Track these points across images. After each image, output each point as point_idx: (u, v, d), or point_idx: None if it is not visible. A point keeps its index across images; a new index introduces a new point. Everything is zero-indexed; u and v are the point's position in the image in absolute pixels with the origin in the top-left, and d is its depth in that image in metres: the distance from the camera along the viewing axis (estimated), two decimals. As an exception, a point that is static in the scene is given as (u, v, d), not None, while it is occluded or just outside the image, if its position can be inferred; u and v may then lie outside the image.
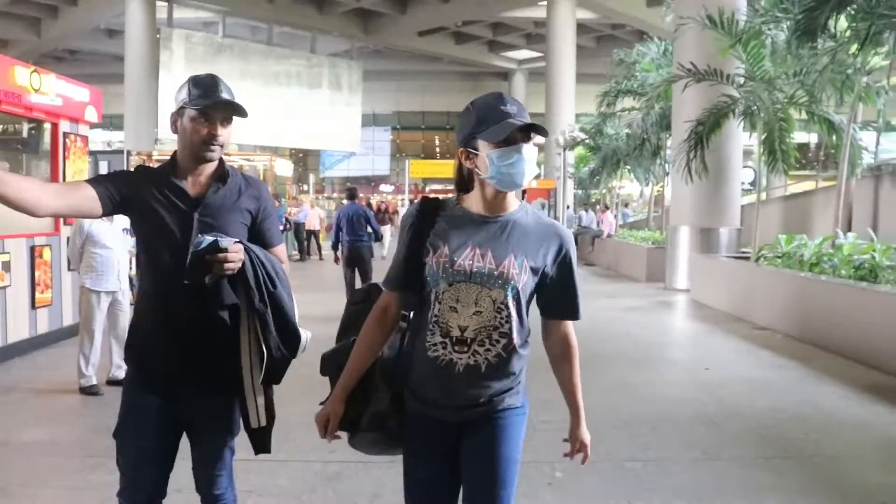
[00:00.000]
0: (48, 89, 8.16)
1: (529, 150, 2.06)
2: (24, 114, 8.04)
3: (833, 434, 5.39)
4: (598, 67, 34.50)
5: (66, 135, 8.66)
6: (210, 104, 2.43)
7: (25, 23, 38.27)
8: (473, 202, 2.18)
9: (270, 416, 2.54)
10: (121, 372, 6.13)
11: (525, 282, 2.09)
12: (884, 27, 8.75)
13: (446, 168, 43.66)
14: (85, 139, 9.15)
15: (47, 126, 8.56)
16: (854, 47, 9.94)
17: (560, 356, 2.26)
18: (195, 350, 2.43)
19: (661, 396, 6.47)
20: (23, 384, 6.57)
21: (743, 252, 13.55)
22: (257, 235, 2.54)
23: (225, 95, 2.47)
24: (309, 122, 37.44)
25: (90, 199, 2.41)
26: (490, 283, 2.07)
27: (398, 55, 45.20)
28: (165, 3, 34.04)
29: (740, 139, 13.97)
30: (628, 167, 21.49)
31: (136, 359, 2.59)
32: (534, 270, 2.11)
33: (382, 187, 55.43)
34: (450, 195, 2.28)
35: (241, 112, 2.49)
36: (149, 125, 31.30)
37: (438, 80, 50.39)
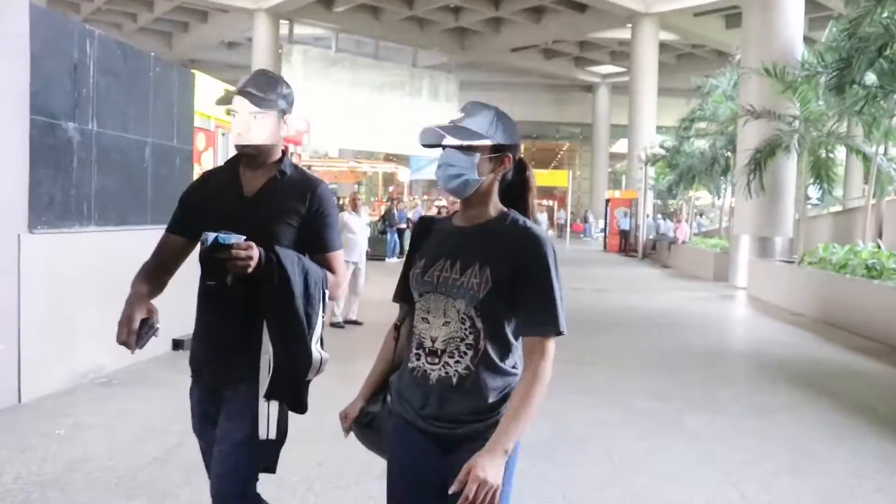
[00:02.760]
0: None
1: (445, 155, 2.03)
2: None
3: (834, 372, 8.46)
4: (678, 82, 37.27)
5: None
6: (230, 100, 2.44)
7: (160, 37, 43.22)
8: (458, 214, 2.18)
9: (281, 431, 2.41)
10: (339, 319, 9.77)
11: (487, 291, 1.98)
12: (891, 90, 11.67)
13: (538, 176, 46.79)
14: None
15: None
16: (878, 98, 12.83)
17: (525, 371, 1.99)
18: (227, 348, 2.40)
19: (718, 343, 9.70)
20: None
21: (792, 258, 16.42)
22: (307, 238, 2.46)
23: (250, 89, 2.40)
24: (409, 127, 41.19)
25: (175, 244, 2.52)
26: (453, 293, 2.02)
27: (491, 68, 48.54)
28: (287, 21, 38.32)
29: (793, 164, 16.83)
30: (702, 181, 24.36)
31: (189, 361, 2.56)
32: (498, 280, 1.99)
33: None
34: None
35: (254, 100, 2.38)
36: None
37: (527, 91, 53.41)
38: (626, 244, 30.03)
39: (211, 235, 2.16)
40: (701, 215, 31.84)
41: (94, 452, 4.75)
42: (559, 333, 1.97)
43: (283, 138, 2.55)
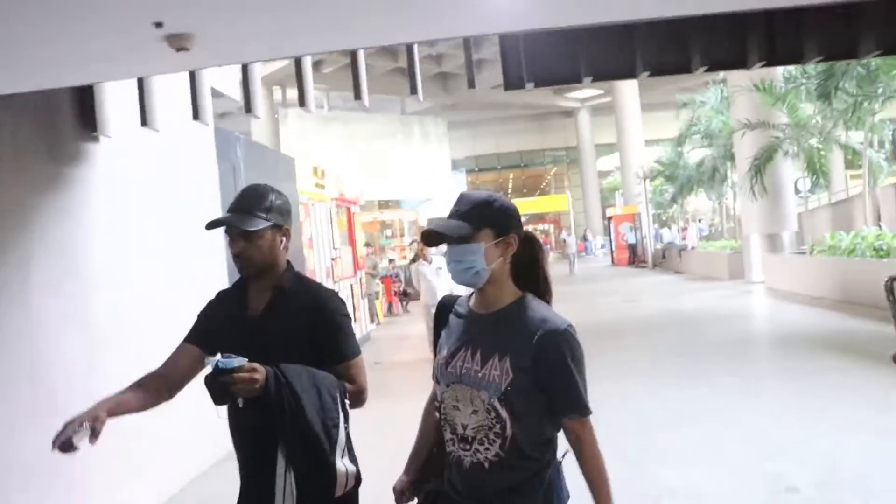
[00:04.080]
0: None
1: (452, 251, 2.08)
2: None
3: (848, 333, 9.95)
4: (659, 97, 39.16)
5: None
6: (221, 224, 2.49)
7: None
8: (475, 298, 2.19)
9: None
10: None
11: (510, 382, 2.01)
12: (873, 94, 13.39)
13: (536, 203, 48.74)
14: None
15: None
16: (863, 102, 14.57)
17: (575, 453, 2.09)
18: (253, 463, 2.42)
19: (759, 329, 11.20)
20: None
21: (801, 249, 18.01)
22: (322, 350, 2.44)
23: (235, 215, 2.46)
24: (406, 172, 43.01)
25: (189, 352, 2.52)
26: (477, 384, 2.05)
27: (474, 106, 50.47)
28: (279, 87, 40.13)
29: (789, 165, 18.49)
30: (701, 190, 26.06)
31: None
32: (521, 370, 2.02)
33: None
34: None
35: (243, 222, 2.43)
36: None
37: (511, 123, 55.31)
38: (635, 257, 31.61)
39: (213, 360, 2.18)
40: (699, 221, 33.52)
41: None
42: (588, 413, 2.06)
43: (285, 252, 2.55)
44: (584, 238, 49.45)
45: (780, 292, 16.29)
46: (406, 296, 20.25)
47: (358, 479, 2.43)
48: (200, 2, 2.69)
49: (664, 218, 37.58)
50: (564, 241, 30.11)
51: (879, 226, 15.27)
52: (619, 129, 36.77)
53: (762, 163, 16.98)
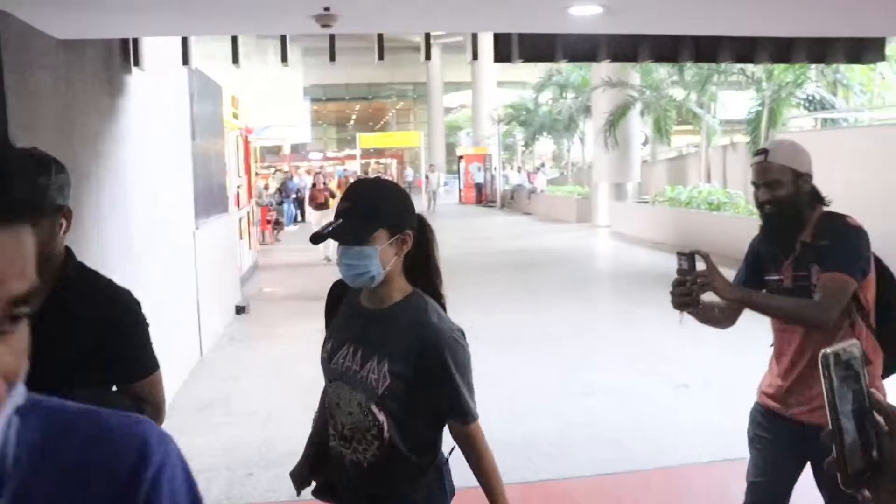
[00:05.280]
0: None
1: (344, 253, 1.95)
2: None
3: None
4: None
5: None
6: None
7: None
8: (363, 291, 2.07)
9: None
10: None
11: (387, 387, 1.94)
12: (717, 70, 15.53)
13: (390, 138, 49.40)
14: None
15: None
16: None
17: (464, 454, 2.04)
18: None
19: (620, 265, 13.01)
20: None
21: (643, 199, 20.31)
22: (110, 365, 2.00)
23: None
24: (263, 98, 42.35)
25: None
26: (355, 385, 1.99)
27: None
28: None
29: (637, 123, 20.65)
30: (549, 136, 28.13)
31: None
32: (398, 375, 1.94)
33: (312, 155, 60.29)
34: None
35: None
36: None
37: (363, 55, 55.09)
38: (481, 196, 33.46)
39: None
40: (543, 165, 35.83)
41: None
42: (475, 419, 1.99)
43: (64, 236, 1.97)
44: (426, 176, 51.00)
45: (625, 236, 18.43)
46: (278, 224, 20.91)
47: None
48: None
49: (515, 161, 39.74)
50: (427, 177, 31.36)
51: (710, 182, 17.67)
52: (475, 70, 38.20)
53: (616, 118, 18.94)
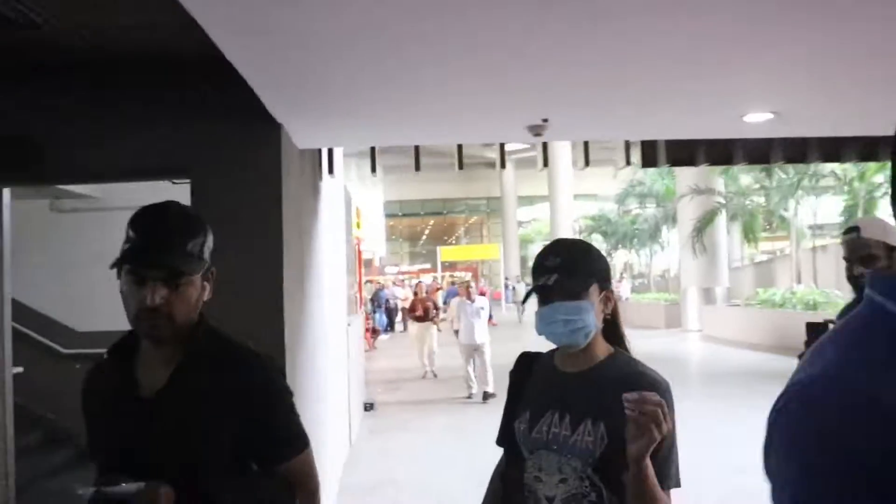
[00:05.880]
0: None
1: (561, 309, 1.87)
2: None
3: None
4: (592, 154, 41.82)
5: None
6: (137, 261, 1.66)
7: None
8: (559, 354, 2.01)
9: None
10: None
11: (604, 448, 1.83)
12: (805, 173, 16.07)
13: (470, 251, 50.55)
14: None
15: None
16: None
17: None
18: None
19: (709, 367, 13.27)
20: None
21: (733, 302, 20.55)
22: (254, 445, 1.74)
23: (161, 240, 1.66)
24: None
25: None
26: (567, 451, 1.88)
27: (406, 151, 52.13)
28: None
29: (724, 228, 21.16)
30: (631, 246, 28.75)
31: None
32: (614, 436, 1.78)
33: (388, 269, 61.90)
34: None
35: (166, 266, 1.64)
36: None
37: (438, 171, 57.28)
38: (564, 305, 33.96)
39: (87, 490, 1.54)
40: (624, 274, 36.39)
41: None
42: (676, 485, 1.84)
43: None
44: (506, 287, 51.63)
45: (719, 339, 18.62)
46: (375, 332, 21.75)
47: None
48: (573, 109, 4.21)
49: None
50: (514, 288, 32.16)
51: (801, 283, 17.90)
52: (551, 183, 39.29)
53: (704, 224, 19.50)
